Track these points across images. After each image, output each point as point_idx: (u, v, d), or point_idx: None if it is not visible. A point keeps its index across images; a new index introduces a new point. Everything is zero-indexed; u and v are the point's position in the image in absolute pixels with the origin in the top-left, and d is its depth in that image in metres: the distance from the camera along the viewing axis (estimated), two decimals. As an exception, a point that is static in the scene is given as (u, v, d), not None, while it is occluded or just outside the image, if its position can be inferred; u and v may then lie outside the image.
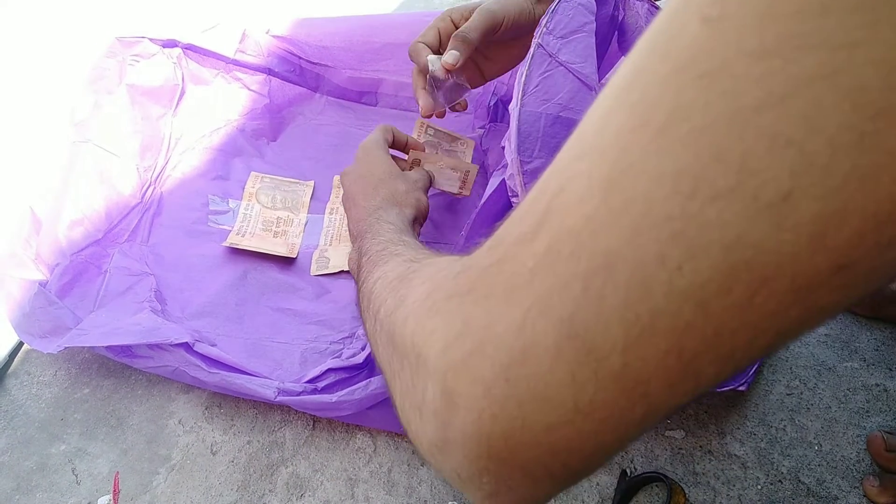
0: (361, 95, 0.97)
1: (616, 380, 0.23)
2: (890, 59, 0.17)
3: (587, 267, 0.23)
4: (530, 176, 0.58)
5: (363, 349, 0.65)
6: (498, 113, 0.90)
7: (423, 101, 0.73)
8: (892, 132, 0.18)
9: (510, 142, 0.59)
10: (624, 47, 0.74)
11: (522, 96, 0.60)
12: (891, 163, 0.18)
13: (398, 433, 0.65)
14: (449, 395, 0.27)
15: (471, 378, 0.26)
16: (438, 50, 0.73)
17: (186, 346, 0.64)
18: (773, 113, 0.19)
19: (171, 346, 0.64)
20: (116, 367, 0.72)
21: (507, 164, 0.61)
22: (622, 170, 0.22)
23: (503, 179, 0.63)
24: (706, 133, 0.20)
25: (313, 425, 0.67)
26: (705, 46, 0.20)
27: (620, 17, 0.73)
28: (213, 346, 0.68)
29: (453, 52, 0.70)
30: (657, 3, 0.71)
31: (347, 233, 0.81)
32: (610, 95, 0.24)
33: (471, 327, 0.27)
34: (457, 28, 0.73)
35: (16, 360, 0.74)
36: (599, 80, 0.63)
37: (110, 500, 0.63)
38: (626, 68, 0.24)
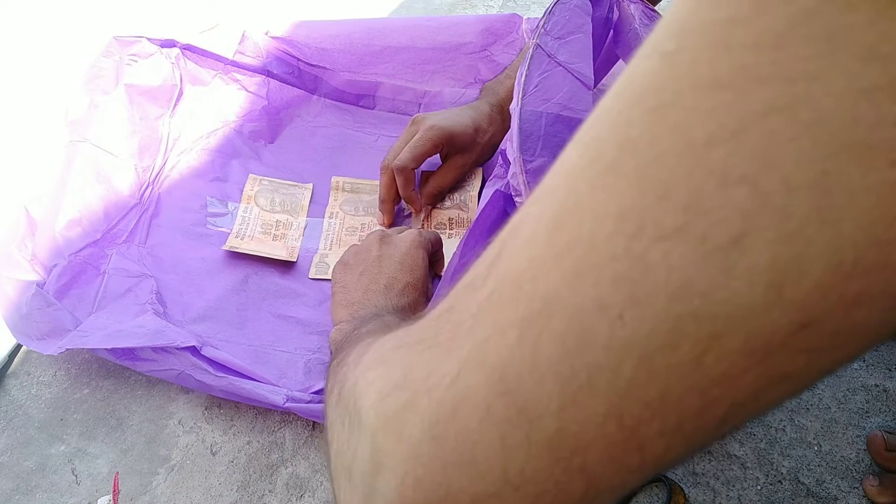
0: (359, 98, 0.98)
1: (550, 447, 0.21)
2: (852, 91, 0.16)
3: (525, 313, 0.21)
4: (533, 175, 0.59)
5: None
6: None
7: (387, 218, 0.83)
8: (855, 171, 0.16)
9: (512, 142, 0.61)
10: (619, 49, 0.76)
11: (523, 96, 0.62)
12: (853, 206, 0.16)
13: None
14: (377, 454, 0.25)
15: (399, 435, 0.24)
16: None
17: (193, 350, 0.65)
18: (725, 148, 0.18)
19: (178, 349, 0.65)
20: (116, 367, 0.73)
21: (506, 170, 0.62)
22: (568, 209, 0.21)
23: (496, 191, 0.64)
24: (653, 168, 0.19)
25: (313, 426, 0.68)
26: (658, 80, 0.19)
27: (615, 19, 0.74)
28: (217, 350, 0.69)
29: (429, 208, 0.83)
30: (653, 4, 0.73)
31: (347, 237, 0.83)
32: (573, 139, 0.23)
33: (409, 378, 0.25)
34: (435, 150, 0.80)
35: (15, 360, 0.75)
36: (595, 82, 0.65)
37: (110, 500, 0.64)
38: (593, 112, 0.23)
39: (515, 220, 0.24)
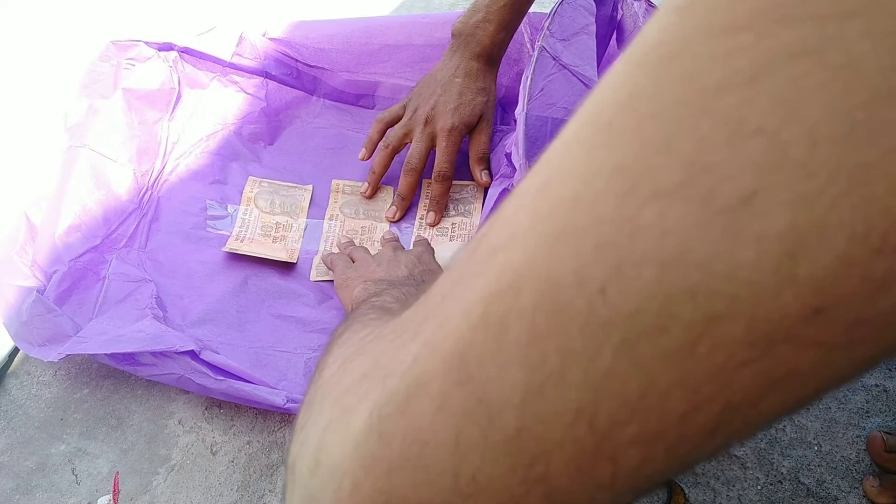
0: (358, 98, 1.02)
1: (508, 450, 0.19)
2: (893, 32, 0.14)
3: (493, 288, 0.19)
4: (538, 180, 0.62)
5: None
6: (497, 116, 0.95)
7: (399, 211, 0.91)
8: (892, 123, 0.14)
9: (517, 147, 0.64)
10: (622, 47, 0.79)
11: (528, 101, 0.65)
12: (888, 164, 0.14)
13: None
14: (319, 452, 0.23)
15: (346, 430, 0.22)
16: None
17: (192, 354, 0.69)
18: (740, 95, 0.16)
19: (177, 353, 0.69)
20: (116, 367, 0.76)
21: (514, 170, 0.65)
22: (558, 173, 0.19)
23: (503, 189, 0.67)
24: (655, 121, 0.17)
25: (313, 426, 0.71)
26: (668, 33, 0.18)
27: (619, 17, 0.78)
28: (217, 354, 0.72)
29: (486, 171, 0.88)
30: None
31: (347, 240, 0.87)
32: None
33: (378, 365, 0.24)
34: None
35: (16, 360, 0.79)
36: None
37: (110, 500, 0.67)
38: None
39: (505, 201, 0.22)
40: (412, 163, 0.87)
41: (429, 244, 0.81)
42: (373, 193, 0.92)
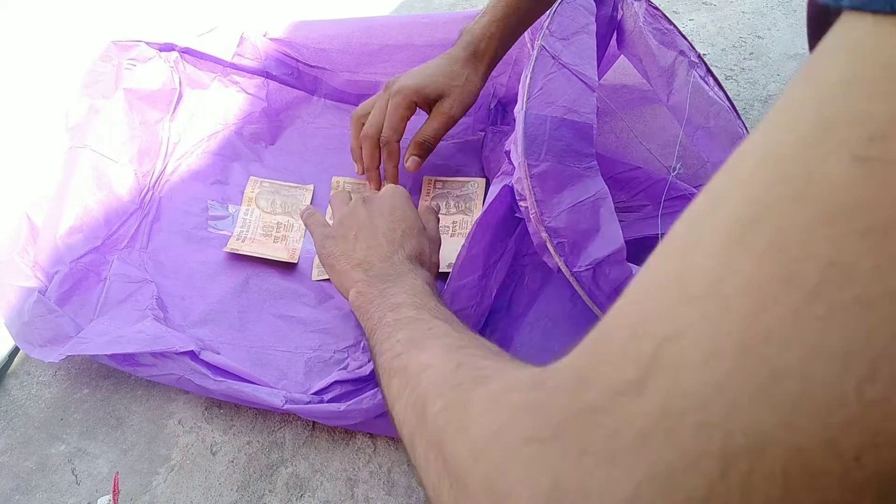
0: (359, 98, 1.02)
1: None
2: None
3: (725, 447, 0.20)
4: (537, 179, 0.62)
5: (369, 361, 0.68)
6: (498, 115, 0.96)
7: (374, 184, 0.88)
8: None
9: (516, 145, 0.64)
10: (622, 47, 0.80)
11: (527, 99, 0.65)
12: None
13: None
14: None
15: None
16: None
17: (192, 355, 0.69)
18: None
19: (177, 354, 0.69)
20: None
21: (514, 168, 0.65)
22: (763, 333, 0.20)
23: (504, 186, 0.67)
24: (881, 305, 0.18)
25: (313, 426, 0.72)
26: (864, 195, 0.18)
27: (619, 17, 0.78)
28: (217, 354, 0.73)
29: (415, 158, 0.84)
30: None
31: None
32: (721, 230, 0.22)
33: (562, 488, 0.24)
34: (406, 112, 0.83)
35: (15, 360, 0.80)
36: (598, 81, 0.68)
37: (110, 500, 0.67)
38: (737, 197, 0.22)
39: (667, 315, 0.23)
40: (366, 129, 0.83)
41: (395, 186, 0.76)
42: (378, 185, 0.88)
